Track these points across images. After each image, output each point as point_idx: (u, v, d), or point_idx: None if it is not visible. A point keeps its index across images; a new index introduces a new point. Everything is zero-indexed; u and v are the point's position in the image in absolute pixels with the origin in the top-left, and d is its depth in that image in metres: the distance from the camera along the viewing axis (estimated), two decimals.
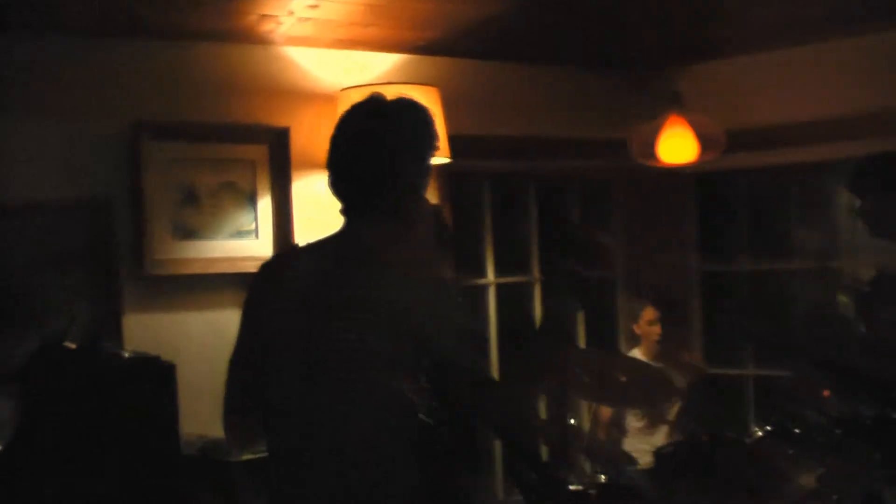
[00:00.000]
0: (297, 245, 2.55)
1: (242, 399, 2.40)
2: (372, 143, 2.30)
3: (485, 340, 2.60)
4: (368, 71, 4.34)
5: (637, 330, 5.07)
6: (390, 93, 2.42)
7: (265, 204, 4.09)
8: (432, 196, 2.53)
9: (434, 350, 2.24)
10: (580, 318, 5.19)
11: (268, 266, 2.48)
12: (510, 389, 2.31)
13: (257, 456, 3.39)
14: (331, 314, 2.25)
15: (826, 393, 3.66)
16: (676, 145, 4.65)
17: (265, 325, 2.34)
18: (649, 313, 5.00)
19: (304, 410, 2.27)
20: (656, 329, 4.99)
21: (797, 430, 3.51)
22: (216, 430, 3.55)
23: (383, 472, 2.26)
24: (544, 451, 4.49)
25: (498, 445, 4.00)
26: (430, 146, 2.35)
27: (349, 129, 2.36)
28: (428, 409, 2.28)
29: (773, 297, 5.22)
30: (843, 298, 4.45)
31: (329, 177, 2.36)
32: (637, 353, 4.99)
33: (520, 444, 2.43)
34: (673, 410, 4.89)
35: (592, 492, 3.59)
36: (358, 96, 3.96)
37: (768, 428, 3.58)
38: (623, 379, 4.32)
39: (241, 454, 3.20)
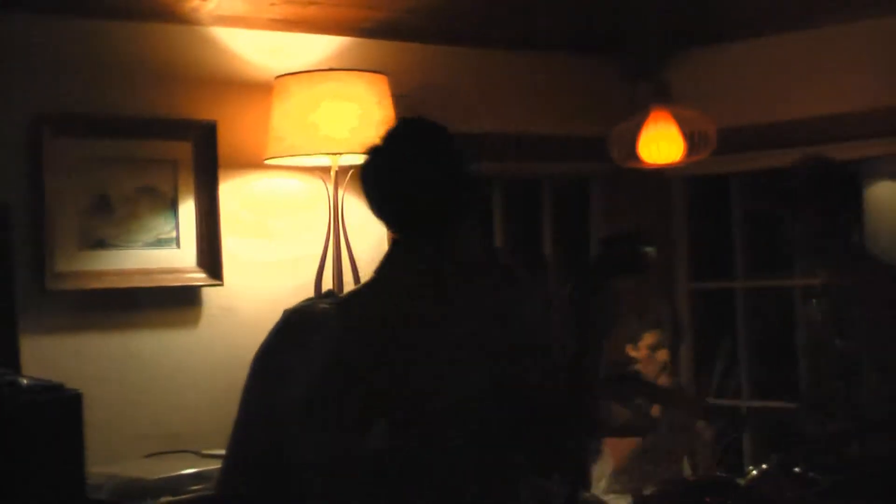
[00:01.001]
0: (361, 286, 2.55)
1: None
2: (404, 190, 2.45)
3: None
4: (308, 55, 4.35)
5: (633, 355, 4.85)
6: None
7: (188, 208, 4.09)
8: None
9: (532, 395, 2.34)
10: None
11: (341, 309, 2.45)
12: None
13: (177, 499, 3.51)
14: (416, 361, 2.31)
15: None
16: (659, 144, 4.66)
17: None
18: (649, 338, 4.83)
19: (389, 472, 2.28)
20: (657, 359, 4.82)
21: (797, 469, 3.57)
22: (128, 469, 3.64)
23: None
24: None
25: None
26: (456, 169, 2.51)
27: (369, 178, 2.48)
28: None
29: (774, 319, 5.28)
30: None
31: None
32: None
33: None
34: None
35: None
36: (296, 84, 4.06)
37: (764, 466, 3.64)
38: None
39: None
